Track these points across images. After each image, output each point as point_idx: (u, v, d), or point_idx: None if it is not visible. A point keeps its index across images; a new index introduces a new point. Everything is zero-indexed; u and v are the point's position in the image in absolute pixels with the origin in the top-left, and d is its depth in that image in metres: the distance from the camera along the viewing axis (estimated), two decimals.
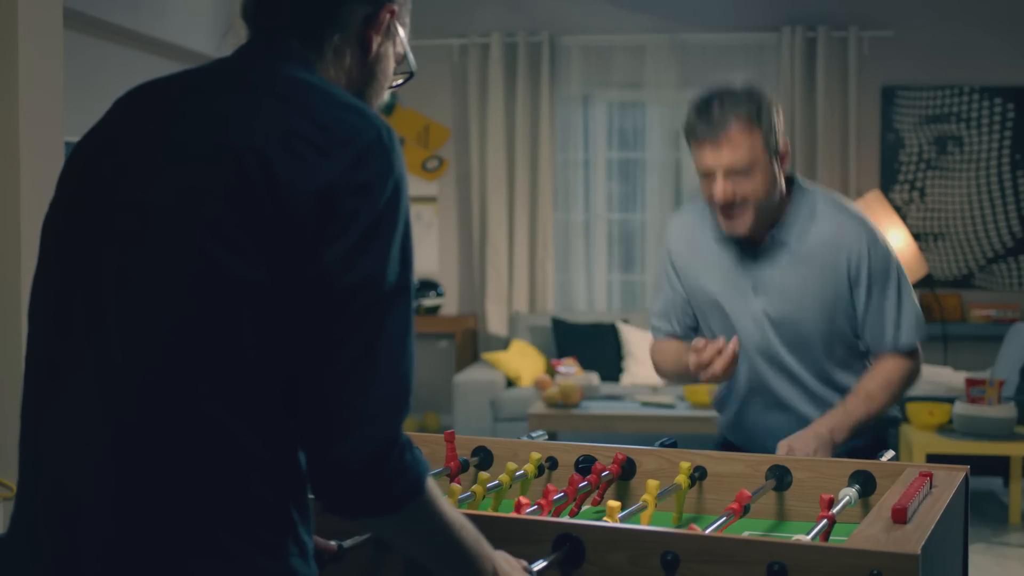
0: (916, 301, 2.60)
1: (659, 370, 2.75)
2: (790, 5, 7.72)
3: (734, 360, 2.39)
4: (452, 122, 8.08)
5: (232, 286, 1.25)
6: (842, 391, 2.58)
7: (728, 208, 2.47)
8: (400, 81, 1.56)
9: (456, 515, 1.42)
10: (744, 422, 2.68)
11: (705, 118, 2.44)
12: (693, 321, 2.72)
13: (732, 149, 2.42)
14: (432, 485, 1.37)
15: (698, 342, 2.43)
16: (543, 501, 1.96)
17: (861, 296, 2.53)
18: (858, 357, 2.62)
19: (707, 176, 2.48)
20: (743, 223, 2.49)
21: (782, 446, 2.43)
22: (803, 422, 2.55)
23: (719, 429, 2.79)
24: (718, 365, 2.38)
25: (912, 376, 2.59)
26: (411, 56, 1.54)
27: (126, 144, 1.35)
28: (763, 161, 2.45)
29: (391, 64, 1.50)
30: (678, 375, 2.67)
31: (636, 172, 8.07)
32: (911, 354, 2.59)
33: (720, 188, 2.45)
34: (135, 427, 1.26)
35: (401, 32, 1.50)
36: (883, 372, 2.55)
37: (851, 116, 7.60)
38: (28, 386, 1.38)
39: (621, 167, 8.08)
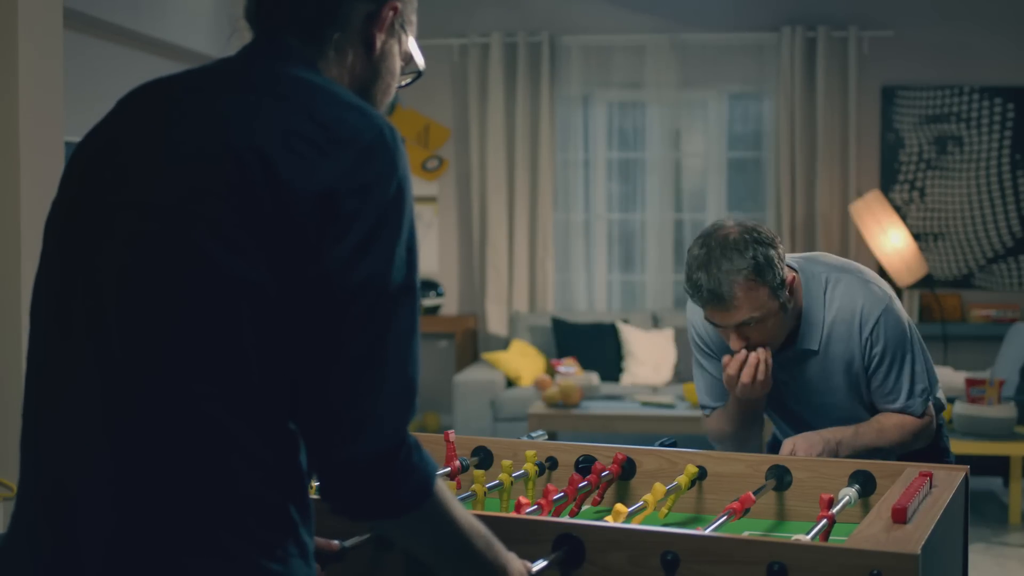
0: (930, 362, 2.59)
1: (718, 437, 2.69)
2: (790, 5, 7.72)
3: (764, 370, 2.43)
4: (452, 122, 8.08)
5: (233, 286, 1.25)
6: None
7: (750, 349, 2.46)
8: (408, 80, 1.55)
9: (467, 516, 1.41)
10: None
11: (705, 283, 2.38)
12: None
13: (738, 310, 2.39)
14: (442, 486, 1.36)
15: (725, 358, 2.48)
16: (543, 501, 1.96)
17: (877, 372, 2.53)
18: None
19: (719, 328, 2.48)
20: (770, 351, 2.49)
21: (787, 444, 2.44)
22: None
23: None
24: (746, 375, 2.43)
25: (925, 430, 2.59)
26: (419, 55, 1.53)
27: (127, 144, 1.35)
28: (773, 309, 2.42)
29: (397, 62, 1.49)
30: (731, 420, 2.63)
31: (636, 172, 8.07)
32: (923, 415, 2.58)
33: (736, 342, 2.44)
34: (135, 427, 1.26)
35: (408, 31, 1.49)
36: (898, 419, 2.55)
37: (851, 116, 7.60)
38: (29, 386, 1.38)
39: (621, 167, 8.08)
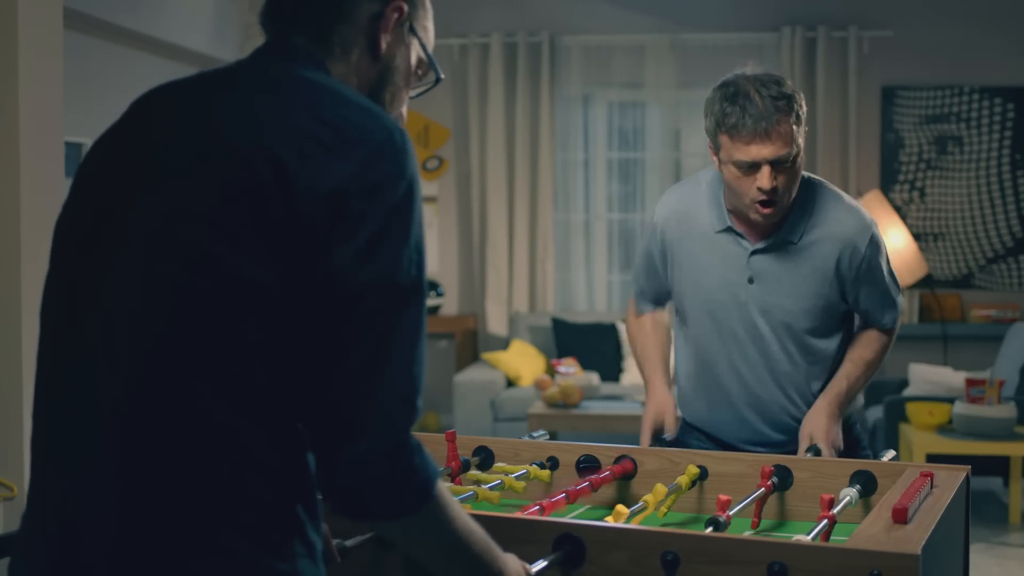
0: (892, 272, 2.66)
1: (633, 339, 2.80)
2: (790, 5, 7.72)
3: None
4: (452, 122, 8.08)
5: (241, 287, 1.26)
6: (813, 355, 2.60)
7: (771, 197, 2.44)
8: (424, 89, 1.55)
9: (466, 520, 1.41)
10: (699, 389, 2.69)
11: (750, 110, 2.38)
12: (667, 296, 2.76)
13: (781, 142, 2.39)
14: (443, 488, 1.37)
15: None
16: (546, 502, 1.95)
17: (853, 287, 2.58)
18: (835, 327, 2.63)
19: (748, 168, 2.43)
20: (779, 212, 2.48)
21: (804, 438, 2.48)
22: (754, 389, 2.60)
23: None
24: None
25: (890, 344, 2.69)
26: (435, 62, 1.53)
27: (138, 146, 1.36)
28: (800, 150, 2.44)
29: (405, 67, 1.50)
30: (642, 355, 2.75)
31: (636, 172, 8.07)
32: (888, 327, 2.69)
33: (768, 180, 2.41)
34: (142, 427, 1.26)
35: (421, 37, 1.50)
36: (871, 342, 2.64)
37: (851, 116, 7.60)
38: (39, 386, 1.38)
39: (621, 167, 8.08)
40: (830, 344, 2.61)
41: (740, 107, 2.39)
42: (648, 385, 2.68)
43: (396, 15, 1.46)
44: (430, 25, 1.52)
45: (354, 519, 1.34)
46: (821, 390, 2.59)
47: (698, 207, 2.62)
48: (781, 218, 2.53)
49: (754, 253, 2.56)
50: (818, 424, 2.48)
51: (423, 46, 1.52)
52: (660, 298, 2.78)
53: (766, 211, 2.46)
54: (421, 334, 1.32)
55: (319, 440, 1.30)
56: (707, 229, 2.60)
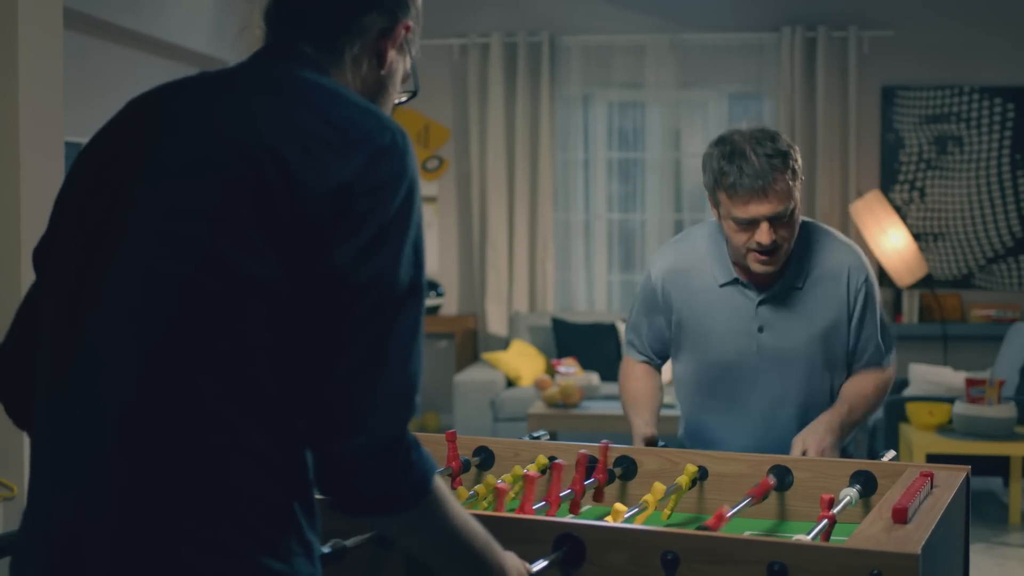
0: (883, 313, 2.70)
1: (623, 387, 2.74)
2: (790, 5, 7.72)
3: None
4: (452, 122, 8.08)
5: (245, 284, 1.27)
6: (823, 396, 2.61)
7: (770, 250, 2.48)
8: (404, 99, 1.59)
9: (465, 516, 1.42)
10: (700, 420, 2.70)
11: (747, 170, 2.41)
12: (666, 351, 2.75)
13: (777, 199, 2.42)
14: (441, 485, 1.37)
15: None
16: (547, 500, 1.95)
17: (856, 323, 2.62)
18: (842, 366, 2.66)
19: (747, 224, 2.46)
20: (778, 262, 2.51)
21: (796, 443, 2.46)
22: (765, 435, 2.59)
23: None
24: None
25: (889, 386, 2.70)
26: (416, 74, 1.57)
27: (141, 145, 1.37)
28: (797, 203, 2.48)
29: (399, 78, 1.54)
30: (630, 397, 2.69)
31: (636, 172, 8.07)
32: (884, 365, 2.70)
33: (767, 236, 2.44)
34: (146, 426, 1.27)
35: (412, 51, 1.54)
36: (873, 379, 2.65)
37: (851, 116, 7.60)
38: (39, 385, 1.38)
39: (621, 167, 8.08)
40: (837, 384, 2.64)
41: (737, 167, 2.42)
42: (632, 425, 2.60)
43: (404, 32, 1.50)
44: (418, 39, 1.56)
45: (352, 515, 1.35)
46: None
47: (699, 263, 2.63)
48: (783, 265, 2.55)
49: (761, 303, 2.58)
50: (814, 431, 2.47)
51: (412, 60, 1.54)
52: (659, 353, 2.75)
53: (764, 261, 2.49)
54: (419, 332, 1.34)
55: (317, 435, 1.30)
56: (711, 283, 2.61)
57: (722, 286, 2.60)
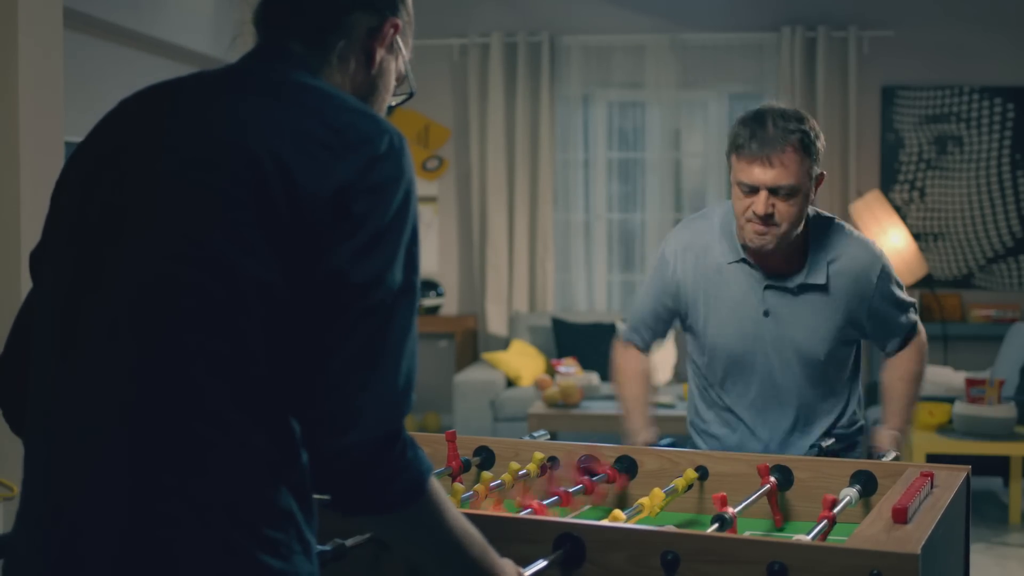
0: (902, 286, 2.71)
1: (618, 379, 2.80)
2: (790, 5, 7.72)
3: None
4: (452, 122, 8.08)
5: (244, 285, 1.28)
6: (826, 386, 2.64)
7: (764, 221, 2.49)
8: (400, 100, 1.60)
9: (461, 520, 1.42)
10: (715, 420, 2.71)
11: (759, 135, 2.45)
12: (664, 335, 2.78)
13: (783, 170, 2.44)
14: (437, 487, 1.37)
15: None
16: (534, 503, 1.94)
17: (877, 316, 2.65)
18: (848, 359, 2.68)
19: (748, 190, 2.48)
20: (772, 238, 2.51)
21: (881, 441, 2.57)
22: (767, 418, 2.62)
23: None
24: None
25: (925, 346, 2.75)
26: (412, 76, 1.58)
27: (134, 147, 1.37)
28: (805, 188, 2.49)
29: (392, 79, 1.54)
30: (624, 398, 2.75)
31: (636, 172, 8.07)
32: (918, 330, 2.74)
33: (763, 205, 2.46)
34: (150, 426, 1.27)
35: (404, 51, 1.54)
36: (911, 354, 2.72)
37: (851, 116, 7.60)
38: (36, 385, 1.38)
39: (621, 167, 8.08)
40: (842, 375, 2.66)
41: (751, 130, 2.46)
42: (629, 426, 2.68)
43: (392, 31, 1.50)
44: (411, 41, 1.56)
45: (348, 514, 1.35)
46: (835, 422, 2.64)
47: (712, 241, 2.64)
48: (803, 260, 2.58)
49: (768, 288, 2.59)
50: (889, 435, 2.60)
51: (404, 61, 1.55)
52: (656, 333, 2.77)
53: (759, 232, 2.49)
54: (412, 331, 1.35)
55: (312, 434, 1.31)
56: (720, 261, 2.62)
57: (730, 263, 2.60)
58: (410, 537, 1.40)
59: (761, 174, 2.45)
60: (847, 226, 2.66)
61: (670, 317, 2.72)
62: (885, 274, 2.63)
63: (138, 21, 5.93)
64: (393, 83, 1.55)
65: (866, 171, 7.71)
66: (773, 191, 2.45)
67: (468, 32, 7.92)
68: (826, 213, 2.67)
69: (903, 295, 2.68)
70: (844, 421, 2.66)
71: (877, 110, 7.71)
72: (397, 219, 1.32)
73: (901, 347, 2.72)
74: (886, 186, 7.70)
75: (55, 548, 1.30)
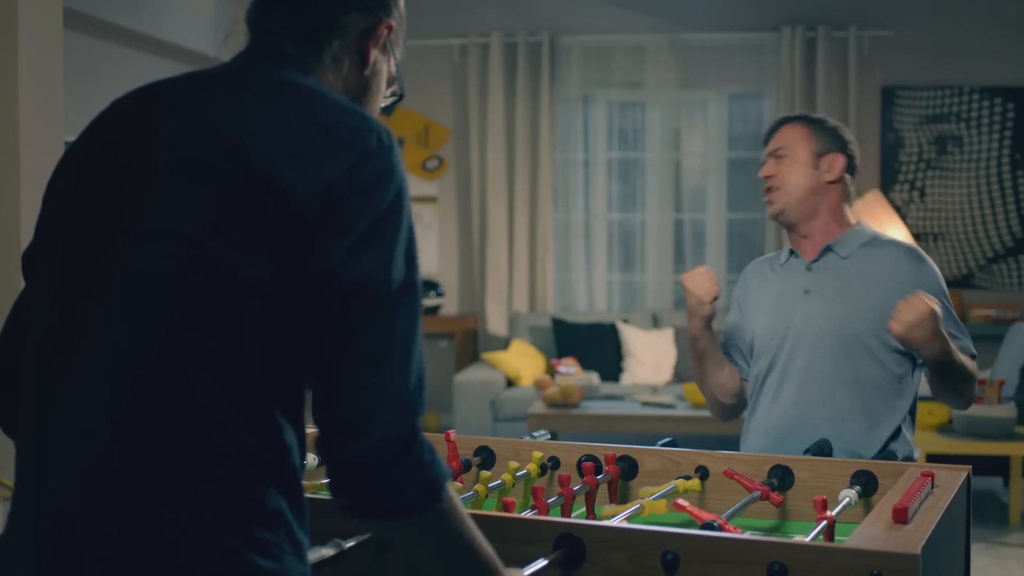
0: (952, 311, 2.68)
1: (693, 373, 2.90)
2: (790, 5, 7.72)
3: (704, 272, 2.69)
4: (452, 122, 8.08)
5: (238, 284, 1.27)
6: (868, 394, 2.58)
7: (769, 188, 2.72)
8: (389, 103, 1.59)
9: (475, 531, 1.40)
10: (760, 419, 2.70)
11: (775, 120, 2.80)
12: (743, 353, 2.79)
13: (783, 136, 2.73)
14: (454, 496, 1.36)
15: (685, 275, 2.75)
16: (537, 503, 1.94)
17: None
18: (876, 359, 2.60)
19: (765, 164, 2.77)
20: (778, 201, 2.70)
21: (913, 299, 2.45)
22: (787, 406, 2.62)
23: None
24: (687, 275, 2.71)
25: (975, 375, 2.65)
26: (402, 78, 1.58)
27: (128, 146, 1.37)
28: (801, 152, 2.69)
29: (384, 80, 1.54)
30: (692, 356, 2.81)
31: (636, 172, 8.07)
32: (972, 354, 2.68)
33: (763, 169, 2.74)
34: (141, 425, 1.27)
35: (396, 54, 1.54)
36: (970, 362, 2.62)
37: (851, 116, 7.60)
38: (33, 384, 1.38)
39: (621, 167, 8.08)
40: (887, 394, 2.57)
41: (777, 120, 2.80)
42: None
43: (387, 32, 1.50)
44: (402, 41, 1.56)
45: (362, 518, 1.34)
46: (882, 420, 2.57)
47: (776, 257, 2.82)
48: (831, 238, 2.68)
49: (810, 267, 2.69)
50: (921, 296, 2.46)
51: (396, 62, 1.55)
52: (738, 355, 2.80)
53: (767, 198, 2.74)
54: (417, 329, 1.34)
55: (326, 439, 1.31)
56: (770, 271, 2.79)
57: (783, 264, 2.76)
58: (422, 542, 1.39)
59: (769, 147, 2.75)
60: (894, 238, 2.75)
61: (743, 335, 2.78)
62: (929, 274, 2.64)
63: (138, 21, 5.93)
64: (385, 84, 1.55)
65: (866, 171, 7.71)
66: (774, 156, 2.72)
67: (468, 32, 7.92)
68: (871, 227, 2.77)
69: (955, 316, 2.65)
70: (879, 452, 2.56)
71: (877, 110, 7.71)
72: (390, 216, 1.32)
73: None
74: (886, 186, 7.70)
75: (51, 548, 1.29)
